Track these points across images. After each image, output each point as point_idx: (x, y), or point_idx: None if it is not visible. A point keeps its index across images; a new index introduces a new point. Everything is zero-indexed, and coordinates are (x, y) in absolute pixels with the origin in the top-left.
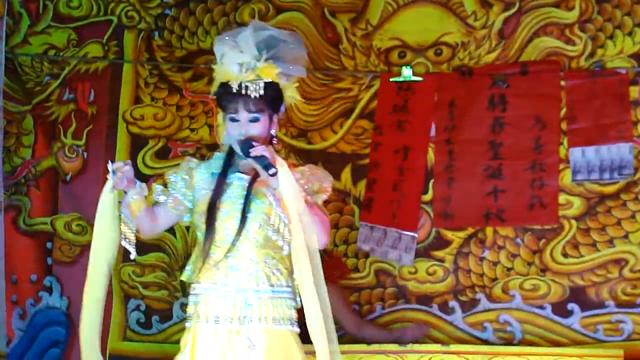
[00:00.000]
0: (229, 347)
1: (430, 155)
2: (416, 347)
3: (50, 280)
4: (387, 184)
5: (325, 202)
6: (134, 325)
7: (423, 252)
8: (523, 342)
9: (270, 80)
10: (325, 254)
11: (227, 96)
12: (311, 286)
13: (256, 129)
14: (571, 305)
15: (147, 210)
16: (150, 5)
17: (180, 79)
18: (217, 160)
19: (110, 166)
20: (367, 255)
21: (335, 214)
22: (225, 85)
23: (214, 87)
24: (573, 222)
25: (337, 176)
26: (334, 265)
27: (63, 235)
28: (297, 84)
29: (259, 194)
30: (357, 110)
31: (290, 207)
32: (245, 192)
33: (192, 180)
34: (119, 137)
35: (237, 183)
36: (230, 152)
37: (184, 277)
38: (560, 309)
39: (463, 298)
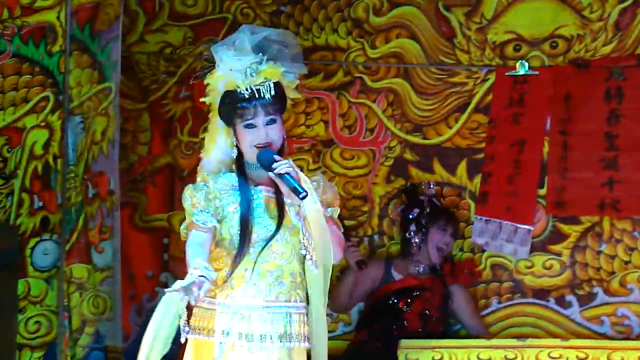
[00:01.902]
0: None
1: (546, 148)
2: (535, 341)
3: (166, 275)
4: (503, 178)
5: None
6: None
7: (540, 246)
8: None
9: (277, 80)
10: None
11: (240, 103)
12: (322, 306)
13: (274, 132)
14: None
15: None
16: (265, 3)
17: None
18: (226, 176)
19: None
20: (483, 250)
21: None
22: (232, 93)
23: (213, 99)
24: None
25: (452, 171)
26: (462, 267)
27: (179, 232)
28: (297, 82)
29: (292, 206)
30: (472, 105)
31: (314, 226)
32: (276, 207)
33: (215, 196)
34: None
35: (262, 195)
36: (240, 164)
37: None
38: None
39: (580, 292)
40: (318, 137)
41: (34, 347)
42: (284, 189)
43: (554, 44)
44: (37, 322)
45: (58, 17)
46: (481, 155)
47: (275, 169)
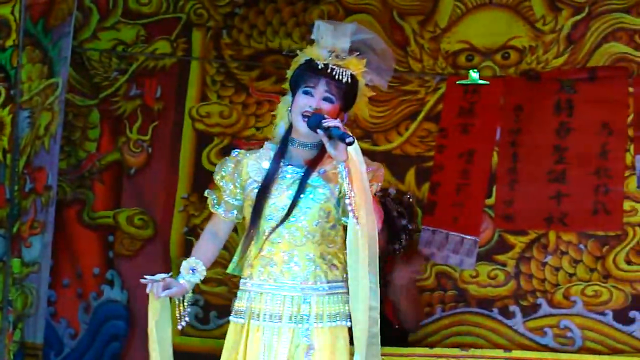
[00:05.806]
0: (285, 346)
1: (495, 159)
2: (478, 352)
3: (111, 273)
4: (451, 188)
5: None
6: (191, 320)
7: (485, 256)
8: (583, 349)
9: (355, 73)
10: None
11: (310, 72)
12: (362, 278)
13: (326, 110)
14: (633, 313)
15: (209, 260)
16: (220, 4)
17: (247, 77)
18: (267, 150)
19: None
20: (428, 258)
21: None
22: (310, 62)
23: (293, 68)
24: (638, 229)
25: (401, 178)
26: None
27: (125, 229)
28: (371, 93)
29: (317, 188)
30: (423, 113)
31: (356, 185)
32: (297, 185)
33: (240, 175)
34: (184, 134)
35: (290, 176)
36: (285, 141)
37: (229, 270)
38: (622, 316)
39: (524, 303)
40: (268, 139)
41: None
42: (329, 147)
43: (506, 55)
44: None
45: (12, 12)
46: (430, 164)
47: (324, 124)
